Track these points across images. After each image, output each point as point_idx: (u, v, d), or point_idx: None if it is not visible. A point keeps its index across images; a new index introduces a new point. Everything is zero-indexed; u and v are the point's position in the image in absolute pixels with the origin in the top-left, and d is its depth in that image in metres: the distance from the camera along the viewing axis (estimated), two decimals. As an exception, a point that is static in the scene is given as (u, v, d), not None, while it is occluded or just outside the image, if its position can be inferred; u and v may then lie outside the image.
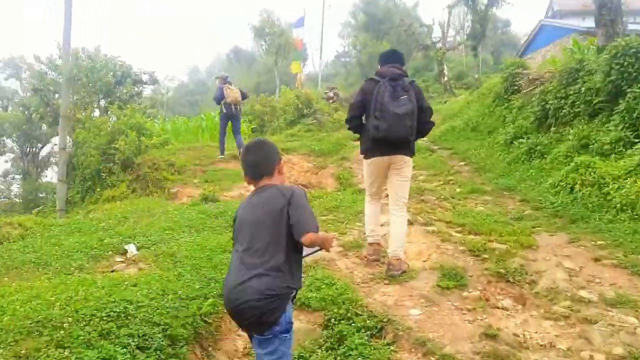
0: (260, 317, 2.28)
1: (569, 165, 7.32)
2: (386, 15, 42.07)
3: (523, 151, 8.87)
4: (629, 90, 7.20)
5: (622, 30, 9.04)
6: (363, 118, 4.57)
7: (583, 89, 8.28)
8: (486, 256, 4.91)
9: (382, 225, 5.12)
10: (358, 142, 4.87)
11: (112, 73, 20.34)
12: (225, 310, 2.59)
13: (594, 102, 7.92)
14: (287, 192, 2.40)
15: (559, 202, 6.45)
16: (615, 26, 8.82)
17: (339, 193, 8.65)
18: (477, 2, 18.09)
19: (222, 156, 11.53)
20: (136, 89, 24.19)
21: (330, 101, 24.17)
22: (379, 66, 4.64)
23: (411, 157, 4.65)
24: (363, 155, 4.72)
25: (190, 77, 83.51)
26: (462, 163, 10.18)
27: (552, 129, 8.94)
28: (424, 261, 4.89)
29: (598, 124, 7.71)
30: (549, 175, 7.62)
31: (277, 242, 2.32)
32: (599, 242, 5.14)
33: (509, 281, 4.42)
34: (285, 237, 2.32)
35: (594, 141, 7.58)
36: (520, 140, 9.37)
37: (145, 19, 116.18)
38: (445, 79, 30.04)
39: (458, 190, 7.97)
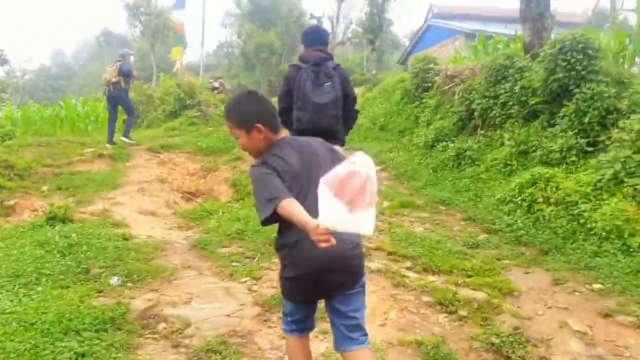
0: (359, 266, 2.28)
1: (510, 175, 6.24)
2: (272, 5, 40.39)
3: (449, 156, 7.73)
4: (576, 90, 6.27)
5: (551, 26, 8.26)
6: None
7: (516, 88, 7.29)
8: (464, 313, 3.51)
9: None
10: None
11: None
12: (311, 276, 2.18)
13: (531, 102, 6.95)
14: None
15: (518, 224, 5.26)
16: (543, 21, 8.00)
17: (237, 206, 6.91)
18: (374, -7, 16.95)
19: (108, 145, 10.23)
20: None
21: (216, 92, 22.04)
22: (305, 47, 4.21)
23: (342, 147, 4.12)
24: None
25: (53, 60, 75.83)
26: (378, 168, 8.86)
27: (480, 132, 7.91)
28: (382, 325, 3.38)
29: (538, 128, 6.72)
30: (489, 187, 6.49)
31: None
32: (595, 286, 3.95)
33: (509, 358, 3.05)
34: None
35: (534, 148, 6.57)
36: (443, 143, 8.24)
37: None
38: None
39: (386, 203, 6.58)
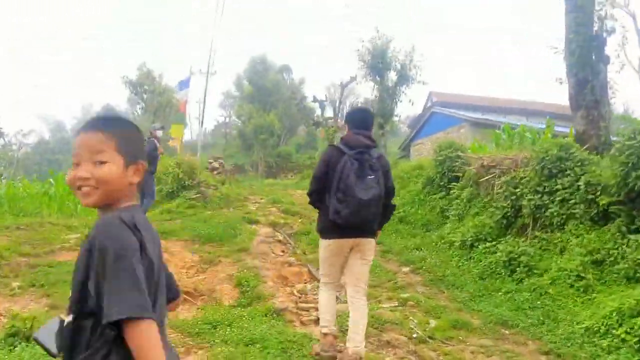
0: None
1: (587, 292, 5.05)
2: (274, 87, 40.66)
3: (499, 261, 6.58)
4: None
5: (609, 114, 7.43)
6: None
7: (579, 184, 6.30)
8: None
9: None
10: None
11: None
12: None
13: (601, 202, 5.91)
14: None
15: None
16: (601, 108, 7.18)
17: (246, 315, 5.62)
18: (387, 78, 16.48)
19: None
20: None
21: (215, 172, 21.20)
22: (346, 128, 4.16)
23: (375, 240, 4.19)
24: (320, 234, 4.18)
25: (53, 133, 75.92)
26: (407, 269, 7.68)
27: (532, 232, 6.81)
28: None
29: (615, 234, 5.64)
30: (562, 306, 5.29)
31: None
32: None
33: None
34: None
35: (612, 258, 5.44)
36: (486, 244, 7.13)
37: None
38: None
39: (432, 322, 5.32)
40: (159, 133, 10.77)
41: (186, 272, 8.09)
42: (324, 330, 4.12)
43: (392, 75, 16.31)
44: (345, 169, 3.80)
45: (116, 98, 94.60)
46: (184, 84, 23.41)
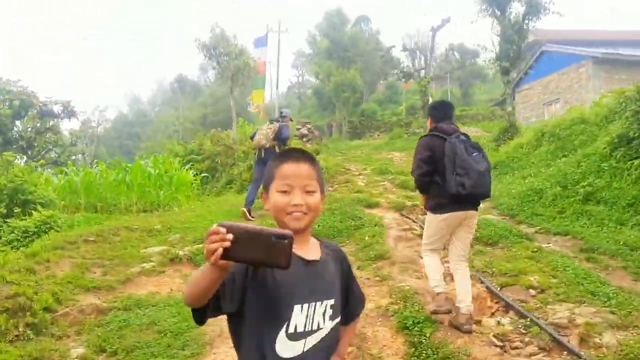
0: None
1: None
2: (351, 41, 37.58)
3: None
4: None
5: None
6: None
7: None
8: None
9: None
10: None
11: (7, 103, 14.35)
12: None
13: None
14: None
15: None
16: None
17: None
18: (508, 11, 13.18)
19: (252, 218, 8.63)
20: (45, 123, 18.15)
21: (305, 139, 18.89)
22: (432, 121, 4.55)
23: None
24: (432, 211, 4.47)
25: (130, 107, 77.00)
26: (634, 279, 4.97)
27: None
28: None
29: None
30: None
31: None
32: None
33: None
34: None
35: None
36: None
37: (69, 43, 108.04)
38: (432, 112, 25.49)
39: None
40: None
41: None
42: (437, 290, 4.43)
43: (518, 7, 12.99)
44: (456, 149, 4.18)
45: (186, 69, 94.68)
46: (261, 42, 21.05)
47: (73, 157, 22.83)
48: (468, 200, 4.28)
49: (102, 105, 69.47)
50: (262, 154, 8.75)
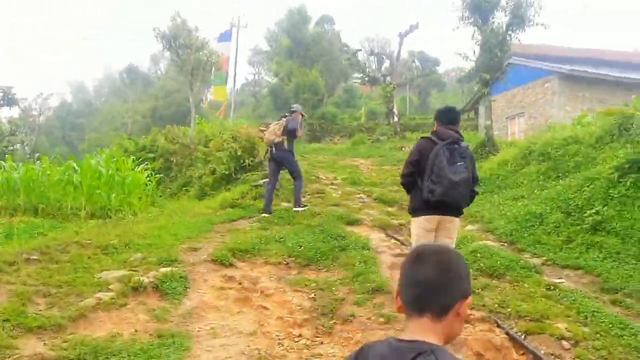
0: None
1: None
2: (314, 40, 36.77)
3: None
4: None
5: None
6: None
7: None
8: None
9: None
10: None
11: None
12: None
13: None
14: None
15: None
16: None
17: None
18: (491, 21, 12.70)
19: (266, 214, 8.64)
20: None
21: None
22: (437, 124, 4.72)
23: (459, 218, 4.74)
24: (412, 213, 4.77)
25: (75, 95, 73.31)
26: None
27: None
28: None
29: None
30: None
31: None
32: None
33: None
34: None
35: None
36: None
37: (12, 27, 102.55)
38: (396, 119, 24.97)
39: None
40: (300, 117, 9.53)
41: (300, 336, 4.88)
42: None
43: (502, 16, 12.50)
44: (438, 156, 4.35)
45: (140, 57, 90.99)
46: (225, 37, 19.92)
47: (11, 148, 20.94)
48: (442, 206, 4.46)
49: (45, 93, 65.70)
50: (274, 150, 8.84)
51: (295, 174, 9.11)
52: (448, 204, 4.45)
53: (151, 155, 18.21)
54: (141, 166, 13.56)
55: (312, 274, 6.34)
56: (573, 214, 7.11)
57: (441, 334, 1.35)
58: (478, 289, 5.39)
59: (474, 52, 12.72)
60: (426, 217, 4.57)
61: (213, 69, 18.73)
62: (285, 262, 6.53)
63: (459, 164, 4.38)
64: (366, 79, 25.09)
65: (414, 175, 4.58)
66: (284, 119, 8.94)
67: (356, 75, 56.01)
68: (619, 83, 21.43)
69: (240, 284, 5.79)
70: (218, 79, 19.36)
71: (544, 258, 6.51)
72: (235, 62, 22.95)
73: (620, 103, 21.79)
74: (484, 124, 14.04)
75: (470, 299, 1.40)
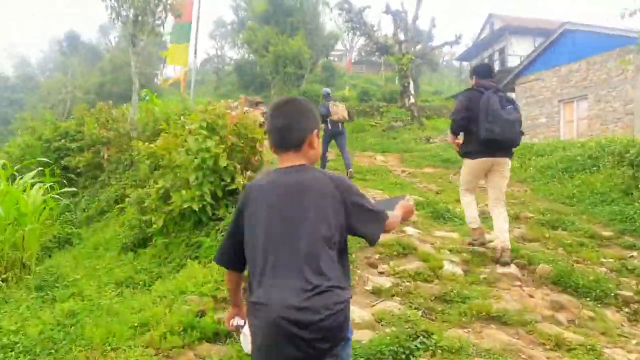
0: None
1: None
2: (296, 9, 30.27)
3: None
4: None
5: None
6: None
7: None
8: None
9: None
10: None
11: None
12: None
13: None
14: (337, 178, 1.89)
15: None
16: None
17: None
18: None
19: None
20: None
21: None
22: (476, 79, 5.07)
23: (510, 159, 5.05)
24: (466, 156, 5.07)
25: (17, 69, 65.29)
26: None
27: None
28: None
29: None
30: None
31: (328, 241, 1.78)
32: None
33: None
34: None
35: None
36: None
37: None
38: (412, 99, 18.93)
39: None
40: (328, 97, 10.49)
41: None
42: (473, 226, 5.20)
43: None
44: (490, 101, 4.70)
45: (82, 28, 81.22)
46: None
47: None
48: (497, 146, 4.82)
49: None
50: (341, 127, 10.00)
51: (345, 147, 10.28)
52: (504, 142, 4.80)
53: (75, 145, 11.76)
54: (36, 187, 7.15)
55: None
56: None
57: (303, 160, 1.89)
58: None
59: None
60: (481, 159, 4.93)
61: (169, 17, 12.16)
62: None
63: (508, 107, 4.76)
64: (375, 47, 18.82)
65: (467, 119, 4.85)
66: (342, 105, 10.39)
67: (339, 47, 49.32)
68: None
69: None
70: (178, 33, 12.74)
71: None
72: (197, 30, 16.17)
73: None
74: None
75: (316, 131, 1.91)
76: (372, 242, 1.93)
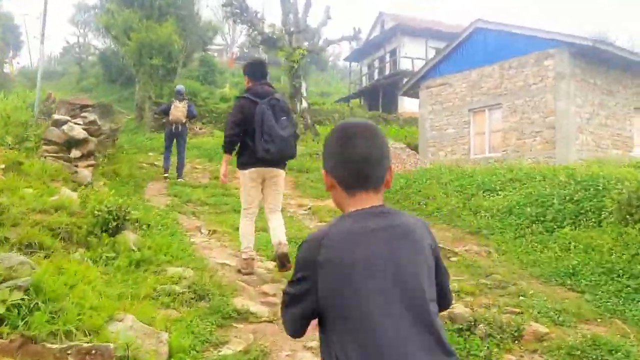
0: None
1: None
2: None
3: None
4: None
5: None
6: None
7: None
8: None
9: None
10: None
11: None
12: None
13: None
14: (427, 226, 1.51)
15: None
16: None
17: None
18: None
19: (167, 175, 10.08)
20: None
21: (81, 153, 7.49)
22: (249, 80, 4.82)
23: (284, 171, 4.97)
24: (241, 167, 4.88)
25: None
26: None
27: None
28: None
29: None
30: None
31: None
32: None
33: None
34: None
35: None
36: None
37: None
38: (305, 104, 15.69)
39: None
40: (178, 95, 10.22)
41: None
42: (244, 256, 4.88)
43: None
44: (265, 115, 4.49)
45: None
46: None
47: None
48: (272, 162, 4.71)
49: None
50: (180, 128, 10.05)
51: (183, 153, 10.15)
52: (284, 158, 4.79)
53: None
54: None
55: None
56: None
57: (382, 201, 1.48)
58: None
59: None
60: (258, 169, 4.77)
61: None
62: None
63: (282, 119, 4.60)
64: (259, 38, 15.34)
65: (240, 135, 4.72)
66: (186, 102, 10.01)
67: (219, 42, 44.97)
68: (629, 67, 14.60)
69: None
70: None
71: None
72: (45, 12, 11.47)
73: (631, 95, 15.14)
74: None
75: (392, 167, 1.52)
76: (448, 306, 1.57)
